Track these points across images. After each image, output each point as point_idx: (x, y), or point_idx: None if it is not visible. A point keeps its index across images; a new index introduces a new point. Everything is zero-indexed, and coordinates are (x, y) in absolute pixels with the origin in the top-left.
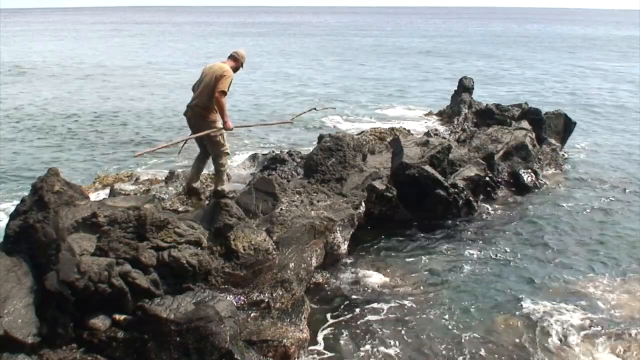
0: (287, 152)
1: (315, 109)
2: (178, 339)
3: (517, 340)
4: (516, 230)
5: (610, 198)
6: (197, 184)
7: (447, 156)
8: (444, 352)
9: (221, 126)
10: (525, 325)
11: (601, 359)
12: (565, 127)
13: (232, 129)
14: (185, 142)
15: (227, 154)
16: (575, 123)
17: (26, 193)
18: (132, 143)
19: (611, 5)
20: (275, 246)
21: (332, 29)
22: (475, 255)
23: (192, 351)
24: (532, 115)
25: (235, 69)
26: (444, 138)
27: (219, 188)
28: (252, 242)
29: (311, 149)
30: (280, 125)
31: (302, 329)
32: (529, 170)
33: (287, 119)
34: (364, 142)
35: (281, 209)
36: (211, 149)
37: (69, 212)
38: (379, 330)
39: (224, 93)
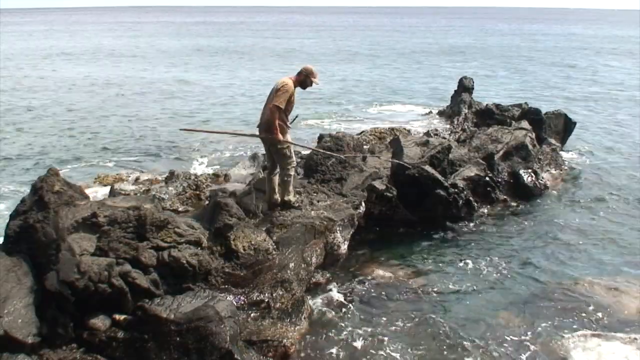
0: None
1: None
2: (178, 339)
3: (516, 339)
4: (516, 230)
5: (611, 198)
6: (277, 196)
7: (447, 156)
8: (443, 351)
9: (287, 139)
10: (524, 324)
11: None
12: (565, 127)
13: (280, 141)
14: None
15: (293, 167)
16: (575, 123)
17: (26, 193)
18: (132, 143)
19: (611, 6)
20: (275, 246)
21: (330, 29)
22: (475, 255)
23: (192, 351)
24: (532, 115)
25: (300, 83)
26: (444, 138)
27: (286, 199)
28: (252, 242)
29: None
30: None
31: (302, 329)
32: (529, 170)
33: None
34: (364, 142)
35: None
36: (278, 160)
37: (69, 212)
38: (379, 329)
39: (277, 107)
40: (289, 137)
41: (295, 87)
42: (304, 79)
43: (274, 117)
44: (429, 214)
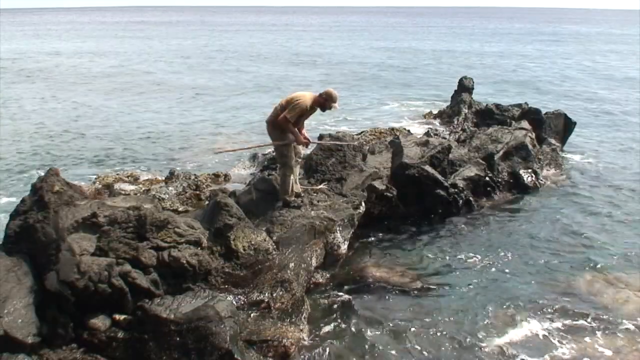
0: None
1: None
2: (178, 339)
3: (516, 338)
4: (515, 229)
5: (610, 198)
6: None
7: (447, 156)
8: (444, 350)
9: (290, 139)
10: (524, 323)
11: (599, 356)
12: (565, 127)
13: (302, 144)
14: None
15: (290, 166)
16: (575, 123)
17: (26, 193)
18: (132, 143)
19: (612, 6)
20: (275, 246)
21: (328, 29)
22: (474, 255)
23: (192, 351)
24: (532, 115)
25: (320, 105)
26: (444, 138)
27: (285, 197)
28: (252, 242)
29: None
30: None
31: (302, 329)
32: (529, 170)
33: (354, 140)
34: (364, 142)
35: (281, 209)
36: (277, 158)
37: (69, 212)
38: (379, 330)
39: (286, 120)
40: (290, 137)
41: (313, 106)
42: (323, 102)
43: (287, 127)
44: (429, 214)
